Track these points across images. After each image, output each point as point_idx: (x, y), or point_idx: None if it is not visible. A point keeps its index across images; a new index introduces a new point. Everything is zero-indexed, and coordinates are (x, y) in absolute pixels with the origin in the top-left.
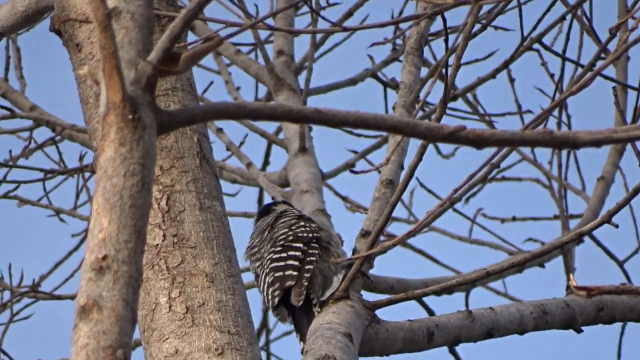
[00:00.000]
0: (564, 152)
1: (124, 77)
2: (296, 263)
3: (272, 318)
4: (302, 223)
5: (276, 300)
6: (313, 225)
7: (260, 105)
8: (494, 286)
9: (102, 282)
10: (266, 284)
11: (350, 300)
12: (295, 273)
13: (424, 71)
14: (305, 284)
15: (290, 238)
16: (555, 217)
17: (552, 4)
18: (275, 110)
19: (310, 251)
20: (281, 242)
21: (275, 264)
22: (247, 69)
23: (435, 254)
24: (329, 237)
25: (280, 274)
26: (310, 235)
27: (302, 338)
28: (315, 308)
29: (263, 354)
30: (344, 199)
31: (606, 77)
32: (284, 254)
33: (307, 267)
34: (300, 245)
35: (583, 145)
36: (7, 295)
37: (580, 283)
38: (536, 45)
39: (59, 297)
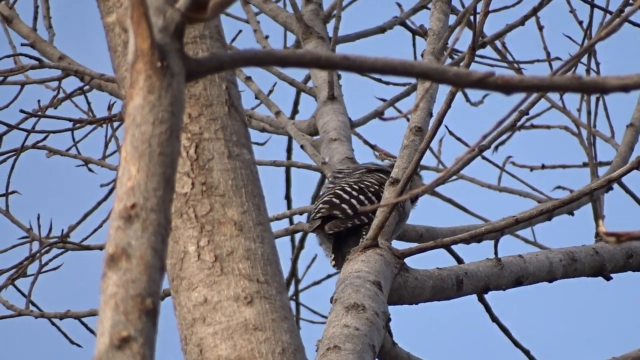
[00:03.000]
0: (593, 100)
1: (152, 25)
2: (357, 206)
3: (300, 267)
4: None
5: (318, 215)
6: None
7: (288, 52)
8: (523, 234)
9: (131, 230)
10: (321, 200)
11: (379, 249)
12: (349, 211)
13: (452, 19)
14: (349, 225)
15: (372, 190)
16: (584, 165)
17: None
18: (304, 57)
19: (371, 214)
20: (363, 186)
21: (342, 193)
22: (276, 17)
23: (464, 203)
24: (403, 224)
25: (337, 201)
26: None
27: (337, 262)
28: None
29: (292, 303)
30: (373, 147)
31: (635, 24)
32: (354, 193)
33: (361, 217)
34: (374, 199)
35: (612, 90)
36: (36, 245)
37: (609, 230)
38: None
39: (88, 248)
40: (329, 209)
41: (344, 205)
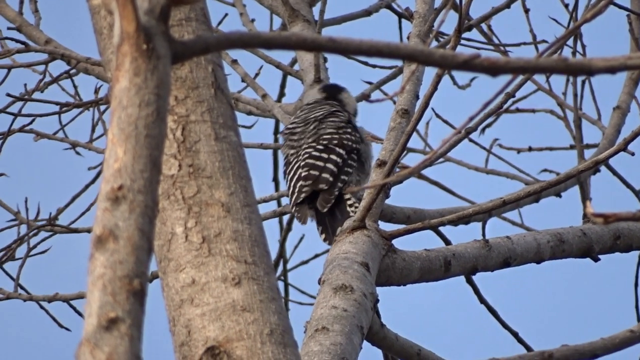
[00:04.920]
0: (579, 82)
1: (137, 7)
2: (335, 169)
3: (288, 248)
4: (350, 130)
5: (302, 197)
6: (357, 135)
7: (274, 35)
8: (511, 216)
9: (118, 212)
10: (296, 176)
11: (367, 230)
12: (331, 179)
13: (438, 1)
14: (336, 193)
15: (335, 142)
16: (571, 147)
17: None
18: (290, 40)
19: (349, 162)
20: (325, 142)
21: (313, 161)
22: (262, 0)
23: (451, 185)
24: (367, 153)
25: (316, 173)
26: (354, 145)
27: (327, 236)
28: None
29: (280, 284)
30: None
31: (620, 7)
32: (324, 155)
33: (342, 177)
34: (342, 152)
35: (598, 71)
36: (23, 229)
37: (596, 211)
38: None
39: (76, 230)
40: (312, 185)
41: (324, 175)
